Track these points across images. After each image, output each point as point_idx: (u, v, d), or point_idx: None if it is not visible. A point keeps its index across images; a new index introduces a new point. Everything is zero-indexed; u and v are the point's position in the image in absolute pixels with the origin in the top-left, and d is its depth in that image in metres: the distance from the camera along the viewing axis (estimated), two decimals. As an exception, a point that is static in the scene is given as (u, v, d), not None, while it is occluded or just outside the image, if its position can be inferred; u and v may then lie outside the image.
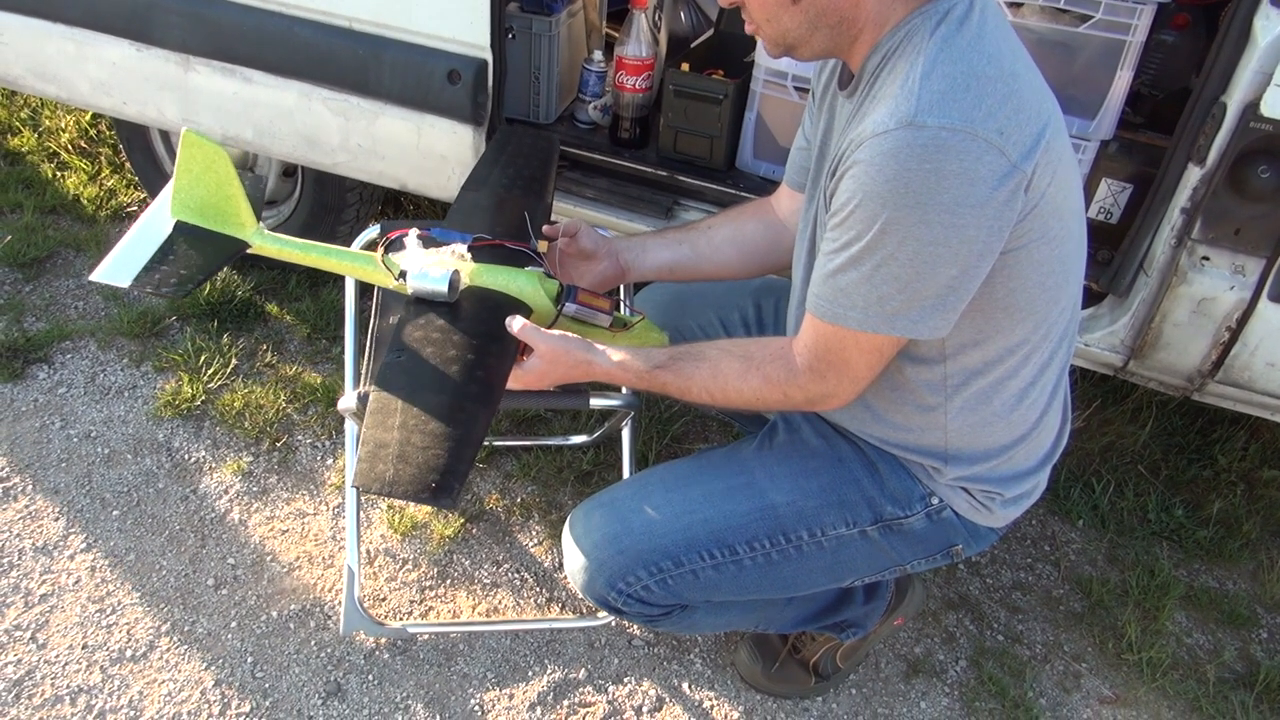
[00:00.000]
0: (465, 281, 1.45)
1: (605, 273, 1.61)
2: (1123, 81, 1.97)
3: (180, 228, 1.48)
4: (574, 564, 1.45)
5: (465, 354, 1.34)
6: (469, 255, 1.48)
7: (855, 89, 1.23)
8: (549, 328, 1.45)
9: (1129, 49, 1.94)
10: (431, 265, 1.42)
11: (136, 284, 1.41)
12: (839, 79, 1.31)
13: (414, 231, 1.49)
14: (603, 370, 1.36)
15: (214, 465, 2.23)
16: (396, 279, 1.45)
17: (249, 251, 1.50)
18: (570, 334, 1.37)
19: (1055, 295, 1.25)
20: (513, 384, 1.37)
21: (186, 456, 2.24)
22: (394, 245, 1.50)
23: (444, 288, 1.39)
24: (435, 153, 2.15)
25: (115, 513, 2.10)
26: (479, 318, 1.41)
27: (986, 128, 1.07)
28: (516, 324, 1.35)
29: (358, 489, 1.21)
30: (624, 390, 1.72)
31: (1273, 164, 1.65)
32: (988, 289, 1.18)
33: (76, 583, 1.96)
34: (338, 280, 2.69)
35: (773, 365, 1.28)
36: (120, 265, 1.44)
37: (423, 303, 1.42)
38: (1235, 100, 1.64)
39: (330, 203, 2.56)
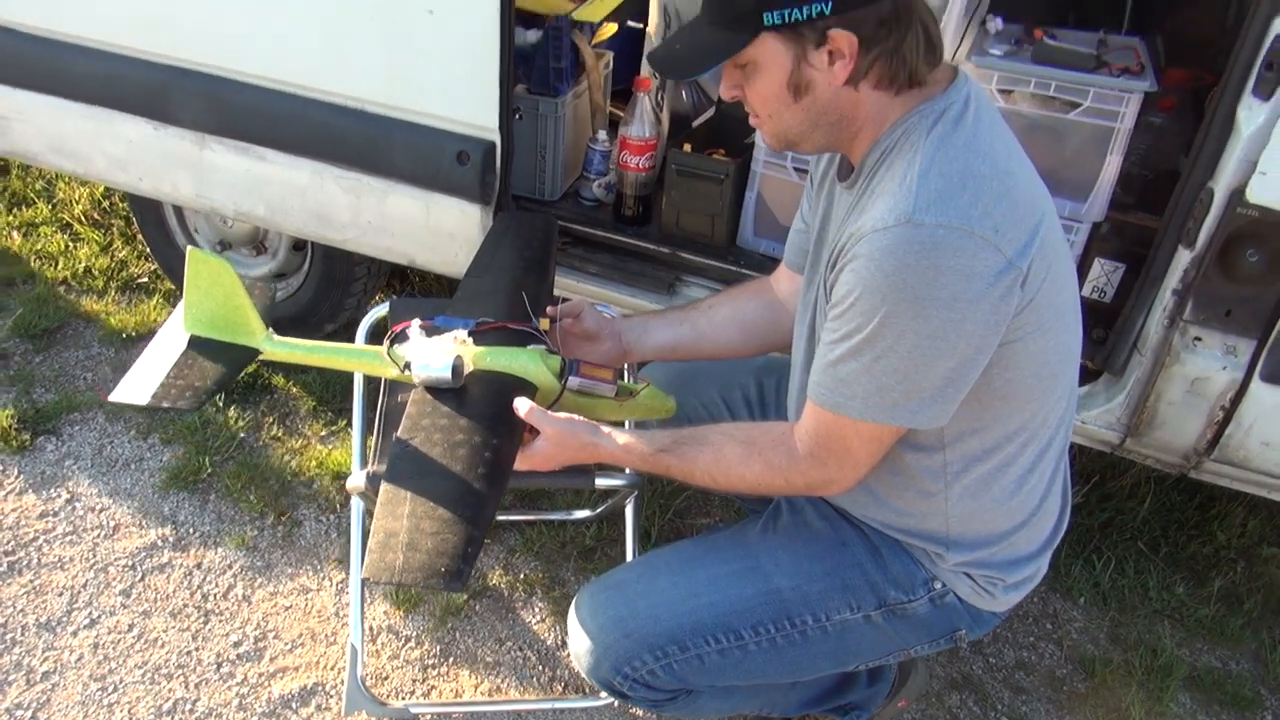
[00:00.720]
0: (469, 365, 1.48)
1: (608, 352, 1.64)
2: (1113, 166, 2.03)
3: (194, 342, 1.54)
4: (579, 647, 1.45)
5: (472, 437, 1.37)
6: (471, 339, 1.52)
7: (854, 182, 1.27)
8: (554, 402, 1.48)
9: (1118, 135, 2.00)
10: (435, 354, 1.46)
11: (154, 400, 1.47)
12: (838, 170, 1.35)
13: (417, 323, 1.54)
14: (607, 452, 1.38)
15: (218, 539, 2.24)
16: (402, 370, 1.49)
17: (261, 358, 1.56)
18: (576, 417, 1.40)
19: (1052, 384, 1.28)
20: (520, 466, 1.39)
21: (191, 530, 2.25)
22: (398, 337, 1.54)
23: (448, 374, 1.43)
24: (443, 230, 2.19)
25: (119, 587, 2.11)
26: (484, 400, 1.44)
27: (983, 226, 1.10)
28: (524, 407, 1.37)
29: (368, 580, 1.23)
30: (628, 469, 1.74)
31: (1260, 248, 1.69)
32: (986, 379, 1.21)
33: (79, 660, 1.95)
34: (344, 352, 2.73)
35: (774, 451, 1.31)
36: (137, 384, 1.50)
37: (430, 388, 1.45)
38: (1222, 186, 1.69)
39: (338, 276, 2.61)
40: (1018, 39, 2.12)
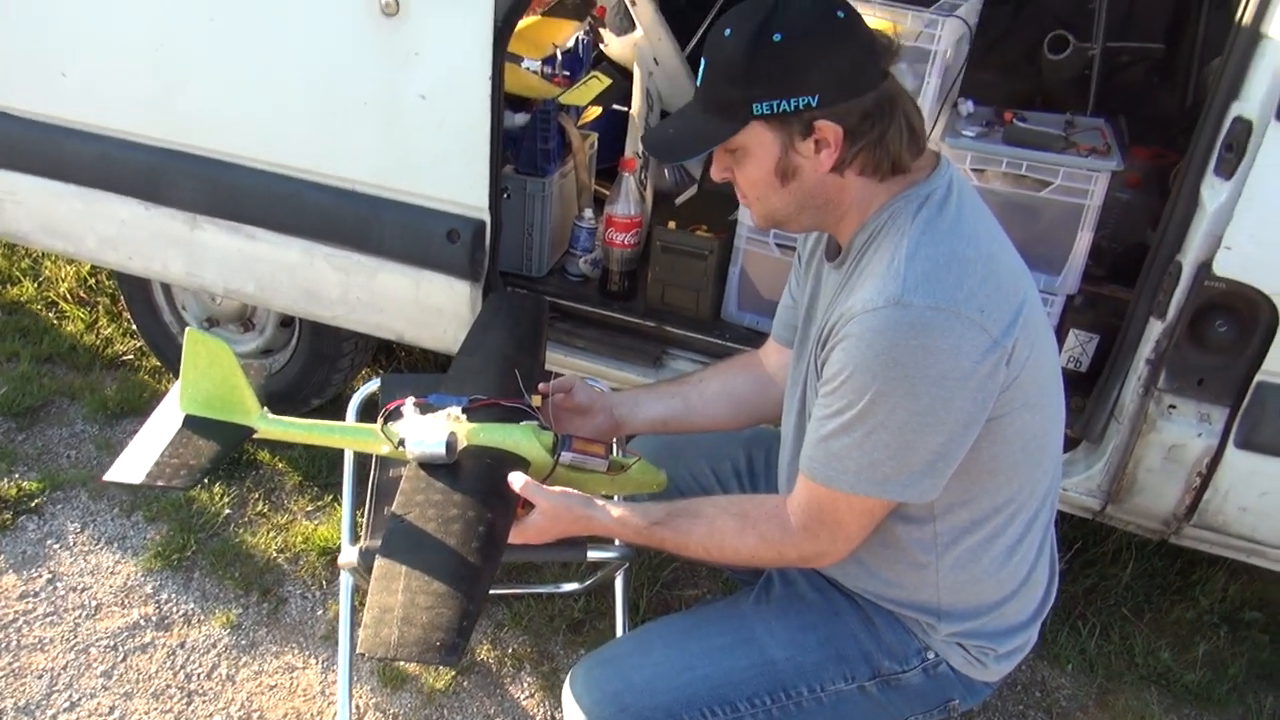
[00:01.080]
0: (462, 441, 1.50)
1: (600, 426, 1.66)
2: (1084, 241, 2.11)
3: (189, 421, 1.56)
4: (575, 722, 1.45)
5: (466, 512, 1.38)
6: (464, 416, 1.54)
7: (842, 262, 1.32)
8: (547, 477, 1.49)
9: (1088, 211, 2.08)
10: (429, 430, 1.48)
11: (148, 479, 1.48)
12: (826, 249, 1.40)
13: (411, 400, 1.56)
14: (601, 525, 1.40)
15: (202, 618, 2.21)
16: (396, 446, 1.51)
17: (255, 436, 1.58)
18: (571, 490, 1.42)
19: (1038, 457, 1.31)
20: (515, 539, 1.40)
21: (175, 609, 2.23)
22: (392, 414, 1.56)
23: (442, 450, 1.45)
24: (433, 306, 2.23)
25: (100, 669, 2.07)
26: (478, 475, 1.46)
27: (969, 307, 1.15)
28: (518, 482, 1.39)
29: (364, 655, 1.23)
30: (619, 541, 1.75)
31: (1229, 318, 1.76)
32: (974, 453, 1.24)
33: (59, 743, 1.92)
34: (330, 427, 2.73)
35: (768, 524, 1.33)
36: (131, 463, 1.51)
37: (424, 465, 1.47)
38: (1189, 259, 1.76)
39: (326, 352, 2.63)
40: (988, 120, 2.21)
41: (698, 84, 1.28)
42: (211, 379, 1.54)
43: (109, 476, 1.50)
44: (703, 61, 1.26)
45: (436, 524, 1.37)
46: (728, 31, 1.22)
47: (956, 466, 1.24)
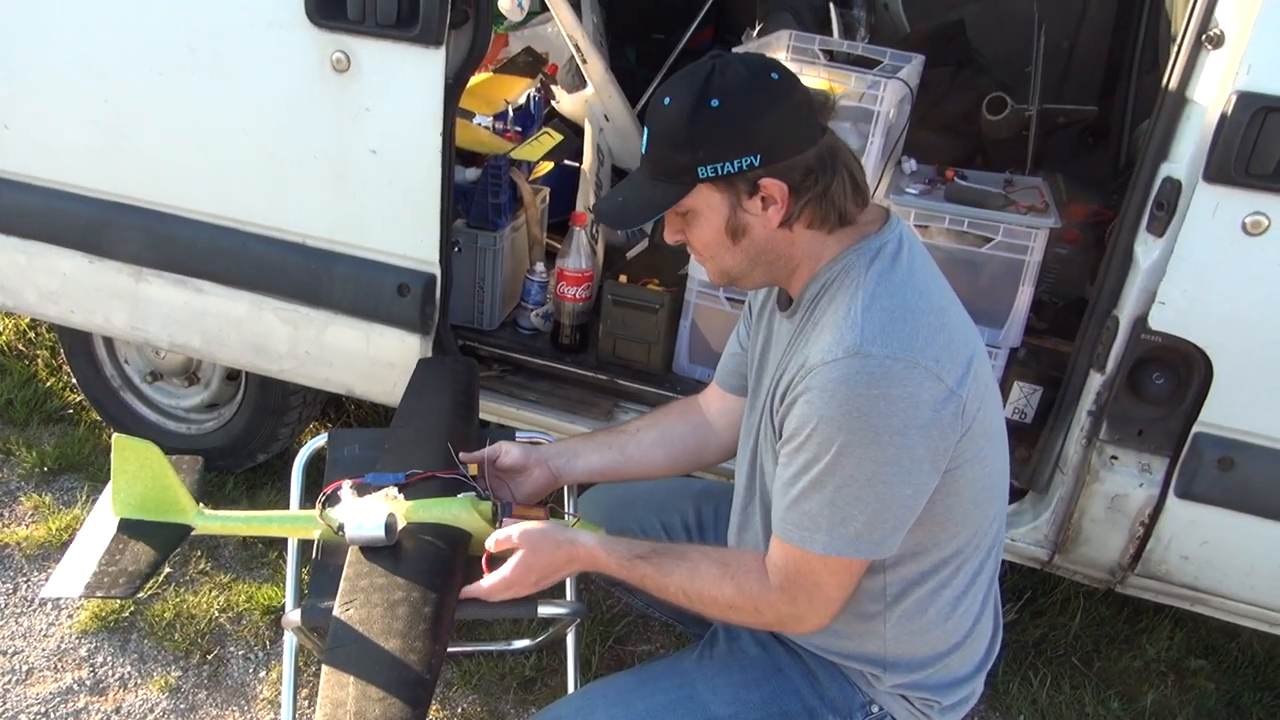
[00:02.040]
0: (401, 520, 1.51)
1: (538, 481, 1.66)
2: (1025, 295, 2.16)
3: (124, 525, 1.55)
4: (520, 786, 1.42)
5: (410, 594, 1.39)
6: (401, 495, 1.54)
7: (794, 312, 1.34)
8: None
9: (1029, 267, 2.13)
10: (367, 514, 1.48)
11: (87, 591, 1.46)
12: (778, 300, 1.42)
13: (348, 484, 1.57)
14: (586, 553, 1.40)
15: (139, 681, 2.14)
16: (336, 532, 1.51)
17: (194, 533, 1.57)
18: (545, 522, 1.43)
19: (985, 509, 1.34)
20: (499, 589, 1.39)
21: (110, 673, 2.15)
22: (330, 499, 1.56)
23: (381, 534, 1.45)
24: (383, 360, 2.21)
25: (30, 737, 2.00)
26: (420, 556, 1.47)
27: (924, 357, 1.18)
28: (491, 543, 1.40)
29: None
30: (570, 597, 1.73)
31: (1165, 371, 1.80)
32: (928, 505, 1.26)
33: (-17, 818, 1.83)
34: (276, 484, 2.69)
35: (746, 577, 1.33)
36: (69, 575, 1.49)
37: (365, 549, 1.46)
38: (1126, 315, 1.80)
39: (272, 406, 2.59)
40: (930, 179, 2.28)
41: (643, 152, 1.32)
42: (143, 480, 1.53)
43: (46, 592, 1.49)
44: (645, 131, 1.30)
45: (383, 609, 1.37)
46: (667, 100, 1.26)
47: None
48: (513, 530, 1.39)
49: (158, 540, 1.53)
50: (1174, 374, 1.79)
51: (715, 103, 1.21)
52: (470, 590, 1.41)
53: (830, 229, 1.29)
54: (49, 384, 3.03)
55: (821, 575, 1.27)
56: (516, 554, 1.39)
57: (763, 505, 1.42)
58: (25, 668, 2.14)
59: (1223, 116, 1.62)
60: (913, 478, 1.20)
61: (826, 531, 1.23)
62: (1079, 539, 1.97)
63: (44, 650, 2.18)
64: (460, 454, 1.63)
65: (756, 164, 1.22)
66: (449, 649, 2.24)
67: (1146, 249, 1.77)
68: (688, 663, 1.50)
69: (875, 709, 1.41)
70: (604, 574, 1.45)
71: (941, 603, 1.35)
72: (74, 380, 2.86)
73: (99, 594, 1.44)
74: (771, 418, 1.32)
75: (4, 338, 3.18)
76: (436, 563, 1.44)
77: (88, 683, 2.12)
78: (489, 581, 1.40)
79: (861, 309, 1.21)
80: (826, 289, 1.29)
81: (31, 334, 3.22)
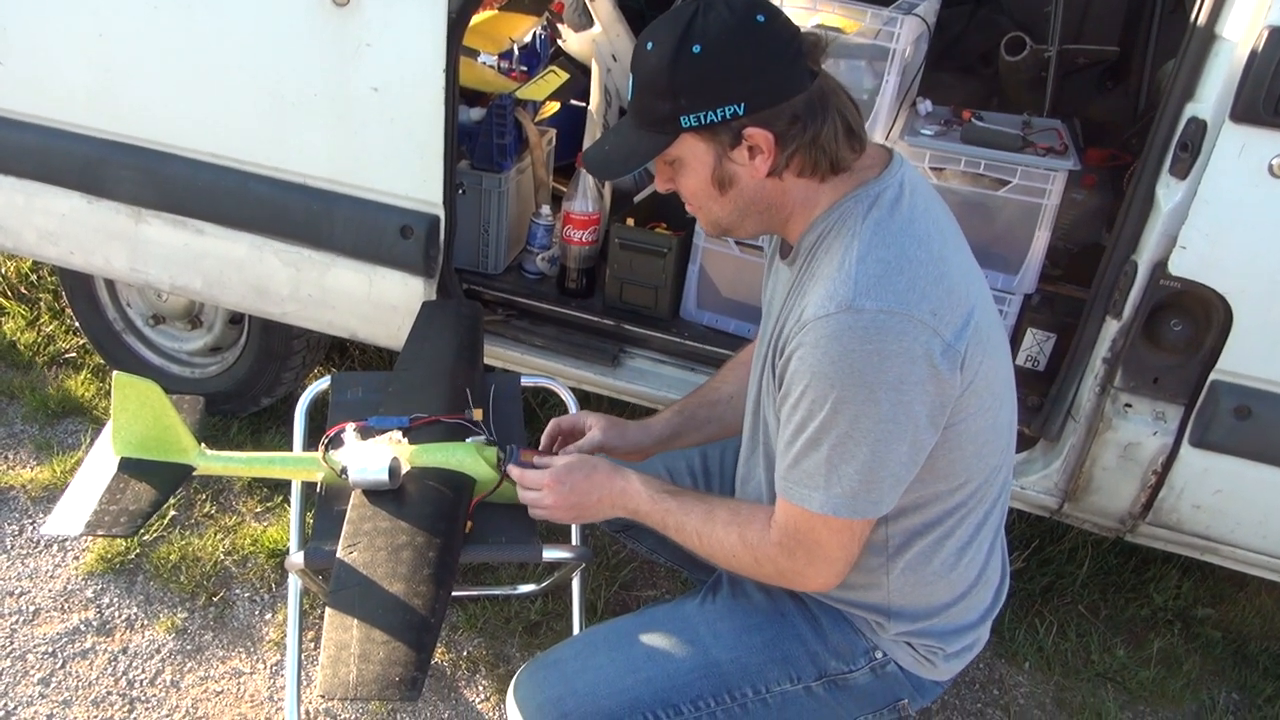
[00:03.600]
0: (405, 465, 1.49)
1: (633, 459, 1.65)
2: (1041, 240, 2.11)
3: (124, 464, 1.53)
4: (518, 729, 1.42)
5: (414, 539, 1.38)
6: (405, 438, 1.53)
7: (794, 260, 1.30)
8: (492, 492, 1.51)
9: (1045, 211, 2.08)
10: (371, 457, 1.47)
11: (88, 529, 1.45)
12: (779, 248, 1.39)
13: (351, 426, 1.55)
14: (624, 484, 1.41)
15: (146, 622, 2.15)
16: (339, 474, 1.49)
17: (195, 473, 1.56)
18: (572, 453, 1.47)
19: (989, 461, 1.31)
20: (549, 507, 1.43)
21: (117, 614, 2.16)
22: (334, 441, 1.54)
23: (385, 477, 1.44)
24: (386, 303, 2.18)
25: (38, 675, 2.00)
26: (424, 500, 1.46)
27: (921, 310, 1.14)
28: (515, 471, 1.45)
29: (324, 697, 1.22)
30: (576, 542, 1.72)
31: (1183, 318, 1.77)
32: (929, 460, 1.23)
33: (-8, 755, 1.85)
34: (281, 428, 2.68)
35: (751, 527, 1.31)
36: (69, 513, 1.48)
37: (369, 492, 1.45)
38: (1145, 259, 1.76)
39: (276, 350, 2.57)
40: (946, 120, 2.22)
41: (629, 98, 1.27)
42: (144, 420, 1.51)
43: (46, 529, 1.48)
44: (629, 77, 1.26)
45: (386, 553, 1.36)
46: (649, 45, 1.21)
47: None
48: (563, 458, 1.41)
49: (159, 480, 1.51)
50: (1192, 320, 1.76)
51: (697, 49, 1.16)
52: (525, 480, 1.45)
53: (823, 177, 1.24)
54: (51, 328, 3.01)
55: (821, 534, 1.25)
56: (547, 486, 1.42)
57: (765, 457, 1.40)
58: (32, 608, 2.15)
59: (1252, 53, 1.56)
60: (909, 434, 1.18)
61: (824, 490, 1.21)
62: (1089, 487, 1.95)
63: (50, 591, 2.19)
64: (468, 395, 1.60)
65: (740, 113, 1.18)
66: (454, 593, 2.26)
67: (1168, 192, 1.72)
68: (690, 607, 1.49)
69: (879, 655, 1.40)
70: (626, 514, 1.44)
71: (945, 554, 1.33)
72: (76, 324, 2.84)
73: (99, 532, 1.43)
74: (772, 369, 1.29)
75: (6, 280, 3.16)
76: (441, 507, 1.43)
77: (94, 623, 2.13)
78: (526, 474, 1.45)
79: (856, 260, 1.17)
80: (823, 238, 1.25)
81: (33, 277, 3.20)
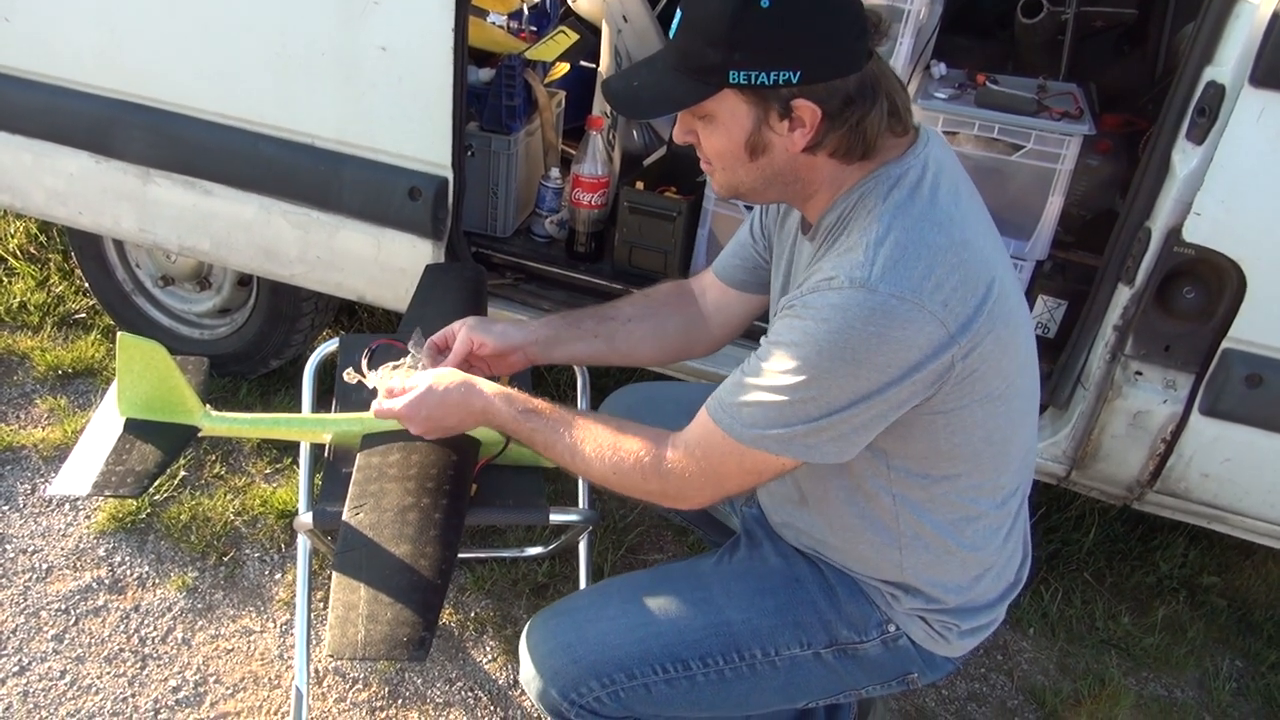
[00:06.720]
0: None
1: (515, 366, 1.62)
2: (1055, 206, 2.09)
3: (130, 425, 1.52)
4: (528, 672, 1.43)
5: (420, 500, 1.38)
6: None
7: (814, 237, 1.27)
8: (498, 455, 1.52)
9: (1059, 176, 2.06)
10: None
11: (95, 490, 1.44)
12: (801, 223, 1.35)
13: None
14: (482, 400, 1.40)
15: (157, 581, 2.17)
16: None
17: (201, 434, 1.56)
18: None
19: (1004, 447, 1.28)
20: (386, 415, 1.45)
21: (129, 572, 2.18)
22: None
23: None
24: (395, 266, 2.18)
25: (51, 632, 2.03)
26: (429, 461, 1.46)
27: (933, 300, 1.10)
28: (375, 407, 1.46)
29: (332, 657, 1.23)
30: (583, 505, 1.73)
31: (1196, 285, 1.75)
32: (933, 441, 1.22)
33: (7, 709, 1.87)
34: (290, 390, 2.69)
35: (640, 440, 1.29)
36: (76, 474, 1.47)
37: (374, 453, 1.47)
38: (1159, 226, 1.74)
39: (285, 312, 2.57)
40: (961, 83, 2.19)
41: (670, 36, 1.20)
42: (149, 380, 1.51)
43: (53, 490, 1.47)
44: (679, 13, 1.18)
45: (392, 514, 1.36)
46: None
47: (917, 451, 1.23)
48: (425, 375, 1.42)
49: (165, 441, 1.51)
50: (1205, 288, 1.74)
51: (766, 3, 1.10)
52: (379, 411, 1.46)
53: (854, 160, 1.20)
54: (61, 288, 3.01)
55: (731, 465, 1.22)
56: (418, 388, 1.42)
57: None
58: (45, 566, 2.17)
59: (1274, 16, 1.54)
60: (875, 408, 1.15)
61: (762, 427, 1.17)
62: (1098, 455, 1.94)
63: (63, 549, 2.21)
64: (428, 338, 1.59)
65: (794, 81, 1.12)
66: (462, 555, 2.27)
67: (1184, 158, 1.70)
68: (705, 565, 1.49)
69: (892, 628, 1.39)
70: (494, 429, 1.45)
71: (961, 536, 1.32)
72: (86, 284, 2.84)
73: (106, 493, 1.43)
74: None
75: (16, 241, 3.16)
76: (446, 469, 1.43)
77: (106, 581, 2.15)
78: (382, 405, 1.45)
79: (874, 242, 1.13)
80: (844, 218, 1.21)
81: (43, 238, 3.20)
